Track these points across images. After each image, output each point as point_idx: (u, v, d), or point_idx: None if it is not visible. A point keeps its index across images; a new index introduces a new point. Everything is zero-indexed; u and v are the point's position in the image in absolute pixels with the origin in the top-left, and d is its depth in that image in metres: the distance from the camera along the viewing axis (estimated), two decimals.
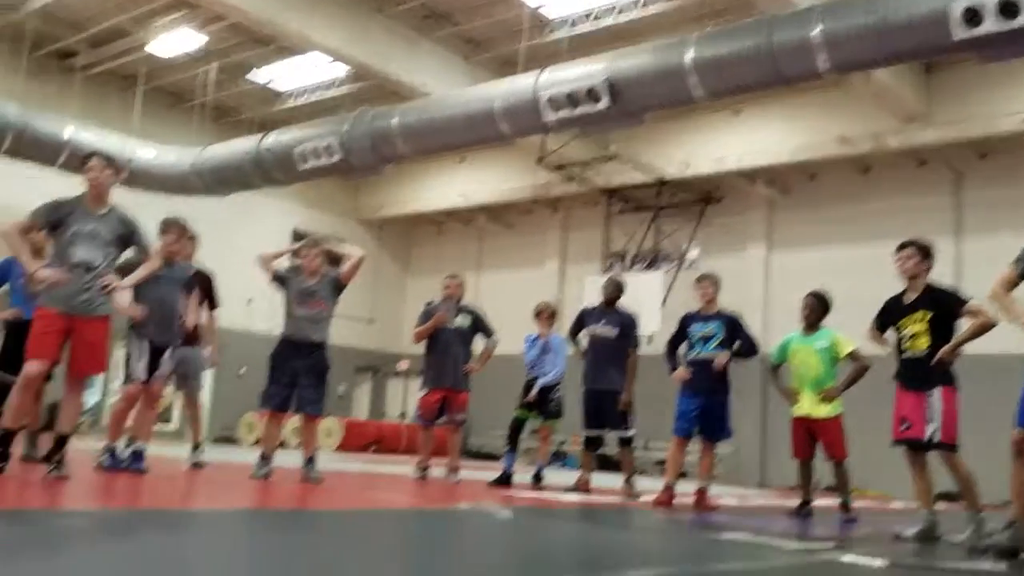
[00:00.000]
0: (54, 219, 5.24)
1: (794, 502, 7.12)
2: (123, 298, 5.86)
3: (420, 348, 8.17)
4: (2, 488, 4.51)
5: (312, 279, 6.76)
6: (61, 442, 5.17)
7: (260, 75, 17.26)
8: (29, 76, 16.34)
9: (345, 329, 7.26)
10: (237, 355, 19.62)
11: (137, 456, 6.12)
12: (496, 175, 19.62)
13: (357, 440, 17.57)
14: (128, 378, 6.29)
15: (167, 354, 6.38)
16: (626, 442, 7.64)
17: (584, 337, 7.80)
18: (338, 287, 6.82)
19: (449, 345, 7.85)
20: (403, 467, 10.32)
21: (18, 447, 5.55)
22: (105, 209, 5.37)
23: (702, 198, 17.46)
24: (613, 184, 17.55)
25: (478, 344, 8.09)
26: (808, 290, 7.07)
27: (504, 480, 7.68)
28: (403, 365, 22.07)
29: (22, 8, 14.64)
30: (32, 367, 5.08)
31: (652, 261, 17.53)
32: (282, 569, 2.68)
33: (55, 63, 16.87)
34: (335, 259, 7.23)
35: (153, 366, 6.33)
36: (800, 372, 6.87)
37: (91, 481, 5.33)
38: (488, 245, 21.44)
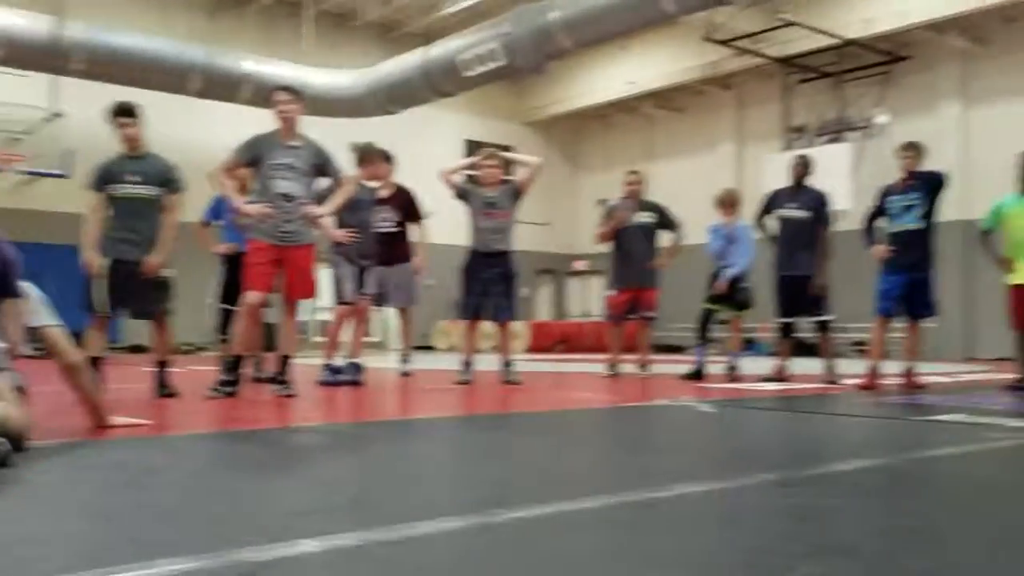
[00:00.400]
0: (253, 155, 5.55)
1: (1008, 376, 6.74)
2: (328, 223, 6.20)
3: (600, 247, 8.18)
4: (238, 409, 4.96)
5: (492, 190, 6.92)
6: (284, 363, 5.61)
7: None
8: (207, 16, 17.15)
9: (523, 234, 7.39)
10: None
11: (355, 370, 6.57)
12: (662, 58, 18.97)
13: (543, 341, 18.01)
14: (337, 299, 6.70)
15: (370, 274, 6.77)
16: (824, 326, 7.41)
17: (772, 220, 7.53)
18: (517, 195, 6.97)
19: (634, 243, 7.80)
20: (591, 366, 10.51)
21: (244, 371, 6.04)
22: (298, 141, 5.63)
23: (888, 58, 16.25)
24: (789, 53, 16.60)
25: (664, 240, 7.98)
26: (1017, 149, 6.50)
27: (697, 374, 7.67)
28: (580, 265, 22.24)
29: None
30: (250, 297, 5.48)
31: (837, 132, 16.62)
32: (512, 468, 2.83)
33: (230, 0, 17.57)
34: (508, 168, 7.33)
35: (359, 286, 6.73)
36: (1016, 238, 6.40)
37: (315, 397, 5.76)
38: (658, 133, 20.95)
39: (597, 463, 3.16)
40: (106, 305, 5.30)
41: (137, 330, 6.01)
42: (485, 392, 6.28)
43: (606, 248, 8.08)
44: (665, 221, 7.90)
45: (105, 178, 5.37)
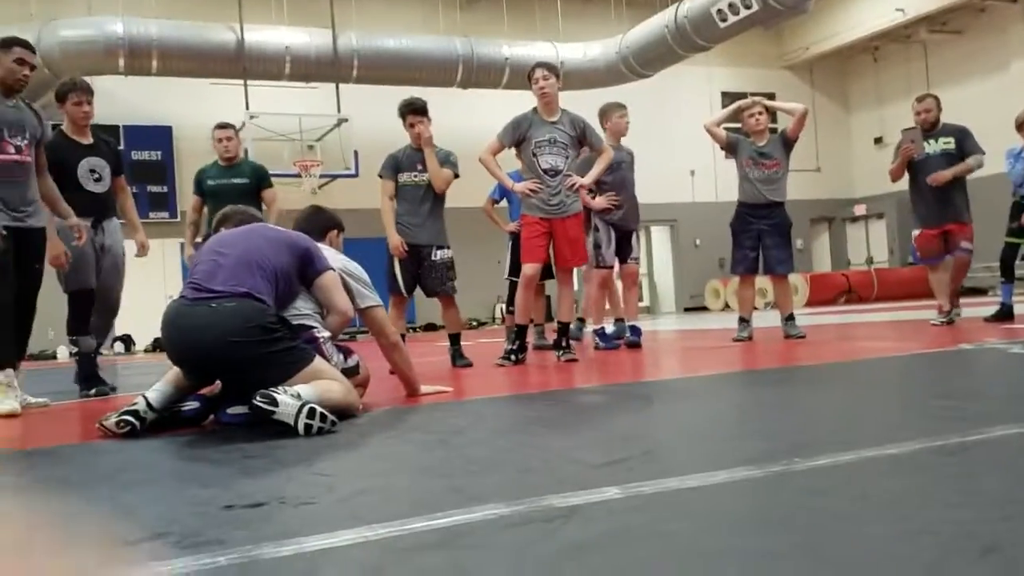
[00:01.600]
0: (517, 136, 5.79)
1: None
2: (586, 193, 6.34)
3: (875, 189, 7.63)
4: (526, 375, 5.23)
5: (761, 139, 6.72)
6: (563, 330, 5.83)
7: None
8: (464, 8, 17.94)
9: (793, 183, 7.03)
10: (689, 227, 20.21)
11: (634, 332, 6.69)
12: None
13: (824, 293, 17.20)
14: (598, 264, 6.82)
15: (635, 235, 6.83)
16: None
17: None
18: (787, 144, 6.72)
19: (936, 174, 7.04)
20: (881, 315, 9.91)
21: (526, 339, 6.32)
22: (557, 116, 5.80)
23: None
24: None
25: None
26: None
27: (1004, 314, 7.01)
28: (860, 210, 20.95)
29: None
30: (528, 269, 5.75)
31: None
32: (805, 419, 2.78)
33: None
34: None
35: (622, 250, 6.81)
36: None
37: (596, 360, 5.93)
38: (935, 61, 19.21)
39: (896, 410, 3.02)
40: (405, 285, 5.82)
41: (430, 310, 6.47)
42: (766, 348, 6.15)
43: (897, 187, 7.43)
44: (966, 146, 6.94)
45: (396, 167, 5.85)
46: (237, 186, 6.21)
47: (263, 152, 13.91)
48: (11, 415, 4.29)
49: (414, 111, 5.85)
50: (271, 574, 1.40)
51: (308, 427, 2.92)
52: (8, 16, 14.39)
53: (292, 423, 2.91)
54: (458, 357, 5.98)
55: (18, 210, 4.51)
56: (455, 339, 6.07)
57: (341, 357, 3.72)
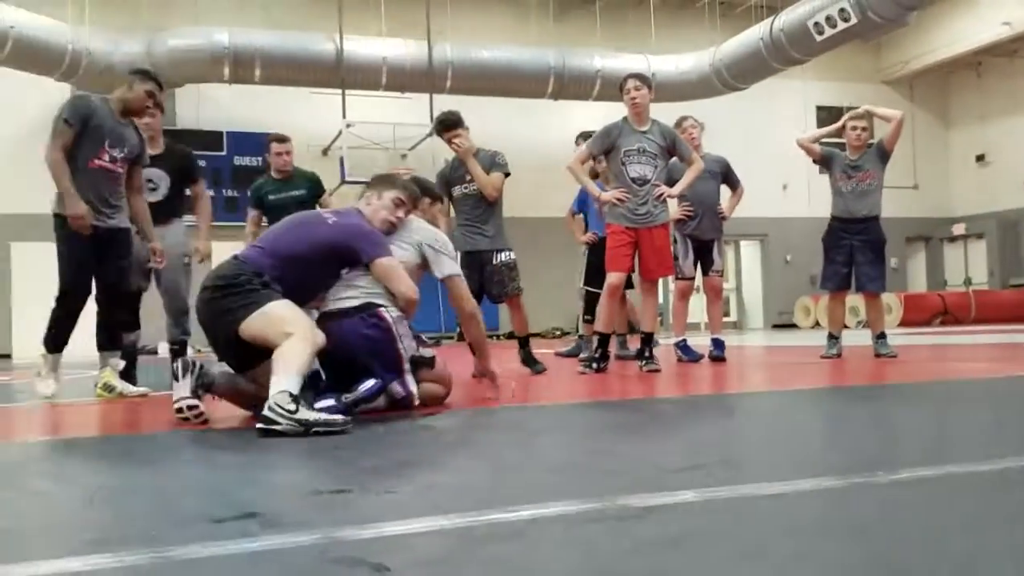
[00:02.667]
0: (606, 145, 5.81)
1: None
2: (674, 206, 6.31)
3: (976, 208, 7.39)
4: (607, 383, 5.23)
5: (855, 153, 6.58)
6: (648, 340, 5.81)
7: None
8: (557, 19, 18.05)
9: (888, 200, 6.83)
10: (780, 242, 19.84)
11: (717, 346, 6.62)
12: None
13: (919, 314, 16.67)
14: (677, 275, 6.76)
15: (716, 246, 6.75)
16: None
17: None
18: (883, 155, 6.55)
19: None
20: (980, 337, 9.57)
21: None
22: (647, 125, 5.80)
23: None
24: None
25: None
26: None
27: None
28: (958, 229, 20.26)
29: None
30: (612, 278, 5.75)
31: None
32: (893, 434, 2.73)
33: (575, 0, 18.34)
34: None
35: (703, 261, 6.75)
36: None
37: (679, 372, 5.90)
38: None
39: (986, 430, 2.93)
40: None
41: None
42: (855, 365, 6.01)
43: (999, 207, 7.23)
44: None
45: (446, 183, 5.92)
46: (295, 198, 6.36)
47: (358, 159, 14.26)
48: (50, 398, 4.81)
49: (447, 127, 5.89)
50: (351, 554, 1.46)
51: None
52: (120, 26, 15.12)
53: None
54: (531, 362, 5.95)
55: (100, 211, 4.83)
56: (523, 342, 6.04)
57: (413, 344, 3.70)
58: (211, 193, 15.87)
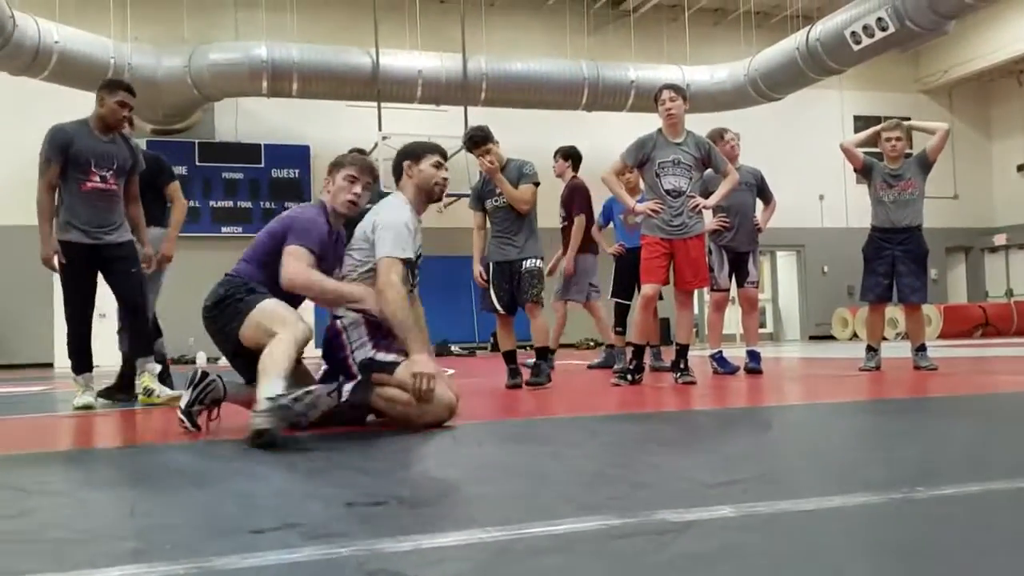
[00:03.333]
0: (640, 156, 5.80)
1: None
2: (709, 216, 6.28)
3: (1018, 218, 7.28)
4: (642, 394, 5.21)
5: (896, 163, 6.52)
6: (682, 351, 5.78)
7: None
8: (591, 32, 18.08)
9: (928, 210, 6.73)
10: (817, 253, 19.65)
11: (753, 358, 6.56)
12: None
13: (959, 325, 16.42)
14: (713, 287, 6.71)
15: (752, 257, 6.70)
16: None
17: None
18: (925, 165, 6.49)
19: None
20: (1019, 349, 9.39)
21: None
22: (682, 137, 5.79)
23: None
24: None
25: None
26: None
27: None
28: (1000, 239, 19.95)
29: None
30: (647, 289, 5.74)
31: None
32: (932, 449, 2.69)
33: (610, 13, 18.38)
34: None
35: (739, 273, 6.70)
36: None
37: (713, 384, 5.86)
38: None
39: None
40: (497, 305, 5.81)
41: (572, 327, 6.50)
42: (894, 378, 5.93)
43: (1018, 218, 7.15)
44: None
45: (479, 198, 5.94)
46: None
47: None
48: (87, 407, 4.95)
49: (476, 144, 5.87)
50: (390, 567, 1.47)
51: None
52: (163, 41, 15.38)
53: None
54: (534, 372, 5.77)
55: (96, 230, 5.01)
56: (540, 352, 5.86)
57: (368, 349, 3.57)
58: (247, 205, 16.24)
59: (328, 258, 3.70)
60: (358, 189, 3.78)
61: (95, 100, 5.14)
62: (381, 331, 3.61)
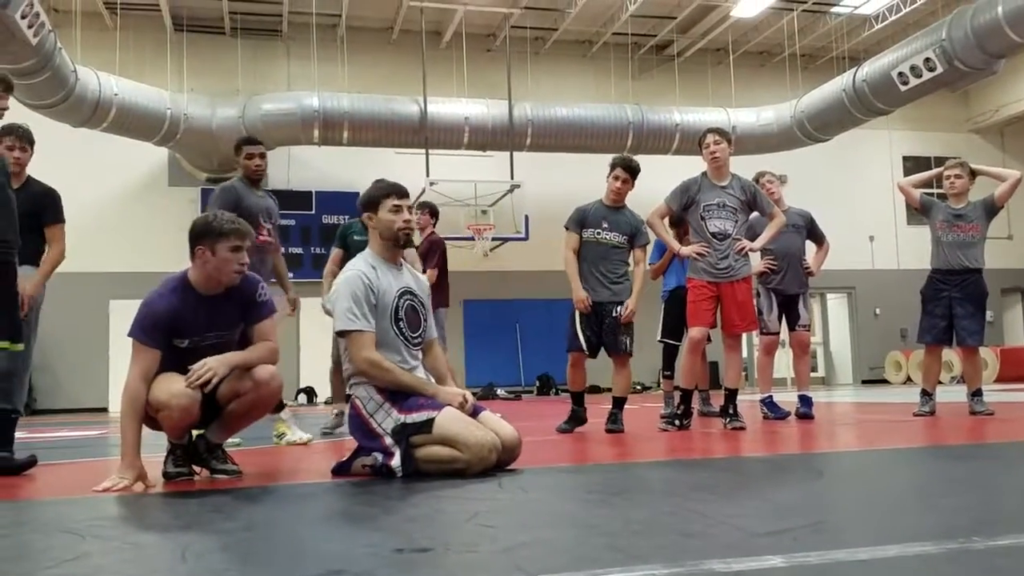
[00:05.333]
0: (685, 200, 5.81)
1: None
2: (757, 259, 6.25)
3: None
4: (690, 440, 5.15)
5: (958, 202, 6.41)
6: (731, 396, 5.72)
7: (843, 7, 16.81)
8: (636, 77, 18.21)
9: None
10: (868, 295, 19.34)
11: (805, 402, 6.45)
12: None
13: (1017, 369, 15.96)
14: (762, 330, 6.64)
15: (802, 300, 6.63)
16: None
17: None
18: (991, 210, 6.37)
19: None
20: None
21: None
22: (727, 180, 5.79)
23: None
24: None
25: None
26: None
27: None
28: None
29: (618, 16, 16.40)
30: (695, 333, 5.71)
31: None
32: (990, 497, 2.63)
33: (654, 58, 18.51)
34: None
35: (789, 316, 6.63)
36: None
37: (763, 429, 5.77)
38: None
39: None
40: (585, 346, 5.69)
41: (598, 371, 6.46)
42: (950, 423, 5.79)
43: None
44: None
45: (581, 222, 5.85)
46: None
47: (441, 216, 14.50)
48: (304, 443, 5.41)
49: (632, 174, 5.82)
50: None
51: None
52: (218, 92, 15.82)
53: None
54: (610, 420, 5.73)
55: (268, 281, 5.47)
56: (618, 402, 5.84)
57: (394, 413, 3.53)
58: (299, 251, 16.50)
59: (191, 327, 3.55)
60: (245, 259, 3.58)
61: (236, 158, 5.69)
62: (396, 393, 3.57)
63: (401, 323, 3.67)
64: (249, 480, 3.60)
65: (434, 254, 7.46)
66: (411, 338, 3.70)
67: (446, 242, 7.90)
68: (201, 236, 3.51)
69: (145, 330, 3.49)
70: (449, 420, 3.42)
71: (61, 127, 13.81)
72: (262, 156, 5.65)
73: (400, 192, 3.83)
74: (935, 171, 6.85)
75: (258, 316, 3.68)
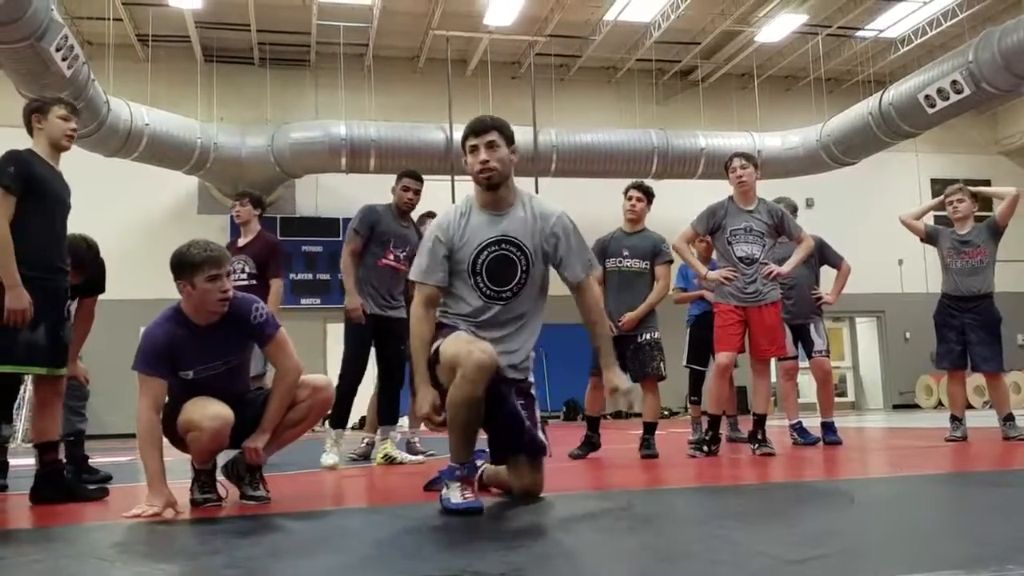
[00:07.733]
0: (712, 224, 5.81)
1: None
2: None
3: None
4: (718, 467, 5.12)
5: (963, 228, 6.37)
6: (760, 421, 5.68)
7: (868, 30, 16.79)
8: (661, 102, 18.26)
9: (1009, 273, 6.54)
10: (897, 319, 19.12)
11: (829, 429, 6.39)
12: None
13: None
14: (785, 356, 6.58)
15: (813, 328, 6.59)
16: None
17: None
18: (995, 232, 6.31)
19: None
20: None
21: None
22: (754, 204, 5.79)
23: None
24: None
25: None
26: None
27: None
28: None
29: (642, 44, 16.47)
30: (722, 358, 5.68)
31: None
32: None
33: (679, 83, 18.56)
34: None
35: (804, 343, 6.59)
36: None
37: (792, 455, 5.72)
38: None
39: None
40: None
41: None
42: (982, 449, 5.72)
43: None
44: None
45: (603, 253, 5.93)
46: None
47: None
48: (332, 468, 5.46)
49: (640, 187, 6.14)
50: None
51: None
52: (247, 121, 16.05)
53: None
54: (644, 446, 5.76)
55: (382, 300, 5.84)
56: (649, 428, 5.83)
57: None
58: (326, 277, 16.61)
59: (190, 358, 3.56)
60: (225, 286, 3.51)
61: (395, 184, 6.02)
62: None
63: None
64: (276, 506, 3.62)
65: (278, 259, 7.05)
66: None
67: None
68: (177, 270, 3.47)
69: (147, 360, 3.50)
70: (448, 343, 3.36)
71: (94, 157, 14.03)
72: (416, 192, 6.00)
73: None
74: (935, 201, 6.84)
75: (262, 339, 3.66)
